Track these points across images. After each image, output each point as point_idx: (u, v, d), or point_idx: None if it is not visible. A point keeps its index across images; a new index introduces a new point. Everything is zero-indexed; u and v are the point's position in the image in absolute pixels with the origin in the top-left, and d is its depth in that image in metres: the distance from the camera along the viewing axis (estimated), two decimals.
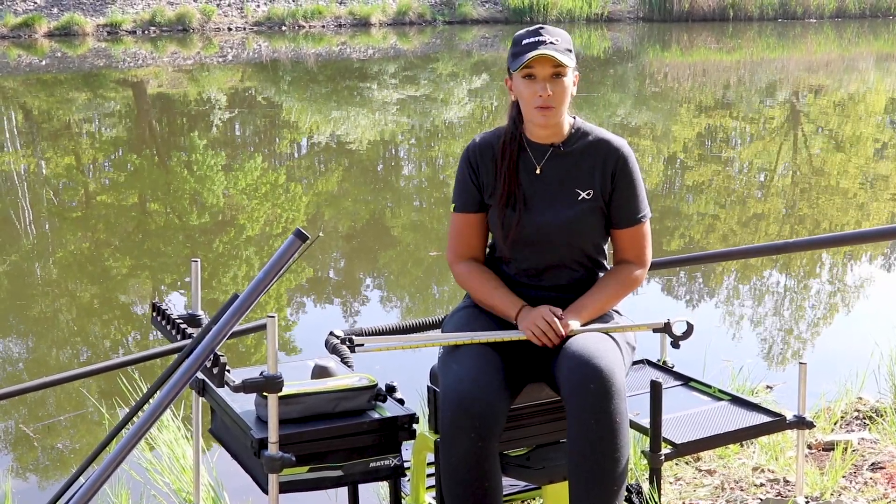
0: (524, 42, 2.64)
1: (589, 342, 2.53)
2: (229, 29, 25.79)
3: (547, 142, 2.73)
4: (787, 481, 3.39)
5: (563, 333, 2.58)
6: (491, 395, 2.48)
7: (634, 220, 2.73)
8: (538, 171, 2.72)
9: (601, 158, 2.70)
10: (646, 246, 2.77)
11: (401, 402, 2.64)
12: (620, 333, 2.67)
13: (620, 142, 2.73)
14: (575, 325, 2.62)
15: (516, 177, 2.72)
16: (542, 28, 2.67)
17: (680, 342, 2.75)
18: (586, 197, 2.69)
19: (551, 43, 2.61)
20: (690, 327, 2.74)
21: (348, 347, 2.66)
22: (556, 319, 2.58)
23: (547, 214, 2.69)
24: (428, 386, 2.73)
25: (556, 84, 2.62)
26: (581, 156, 2.71)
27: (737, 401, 3.05)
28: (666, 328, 2.74)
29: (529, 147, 2.74)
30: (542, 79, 2.62)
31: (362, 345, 2.66)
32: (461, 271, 2.79)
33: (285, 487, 2.43)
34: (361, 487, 2.78)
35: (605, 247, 2.81)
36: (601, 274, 2.78)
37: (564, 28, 26.81)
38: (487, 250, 2.86)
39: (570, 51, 2.66)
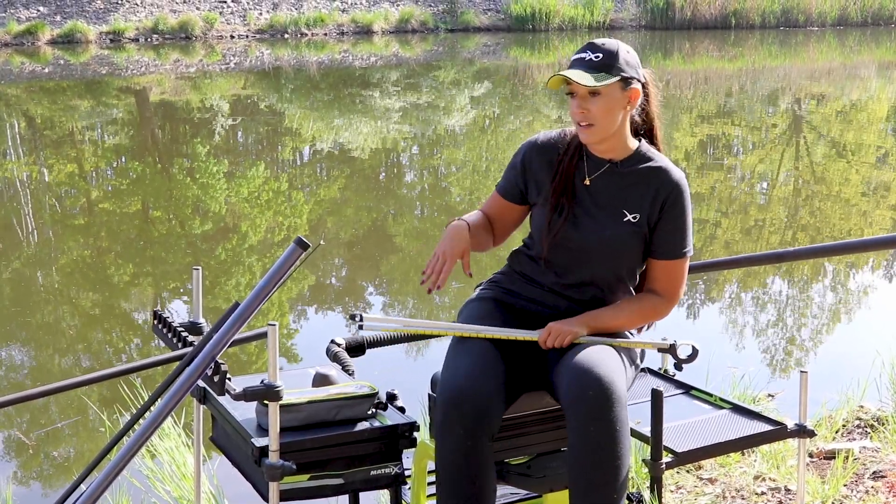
0: (572, 59, 2.65)
1: (590, 351, 2.54)
2: (232, 37, 25.84)
3: (605, 157, 2.71)
4: (789, 490, 3.39)
5: (444, 277, 2.61)
6: (484, 394, 2.49)
7: (673, 255, 2.71)
8: (587, 183, 2.71)
9: (655, 186, 2.67)
10: (680, 282, 2.74)
11: (402, 410, 2.64)
12: (625, 348, 2.67)
13: (679, 174, 2.70)
14: (580, 332, 2.62)
15: (571, 185, 2.71)
16: (590, 44, 2.65)
17: (683, 365, 2.75)
18: (632, 220, 2.67)
19: (589, 60, 2.60)
20: (695, 352, 2.72)
21: (358, 325, 2.65)
22: (446, 260, 2.63)
23: (590, 228, 2.68)
24: (429, 394, 2.73)
25: (592, 102, 2.60)
26: (636, 178, 2.69)
27: (738, 409, 3.04)
28: (671, 350, 2.73)
29: (588, 158, 2.73)
30: (580, 96, 2.61)
31: (368, 323, 2.65)
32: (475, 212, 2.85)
33: (286, 496, 2.43)
34: (362, 496, 2.78)
35: (638, 272, 2.79)
36: (626, 297, 2.76)
37: (566, 36, 26.64)
38: (523, 244, 2.85)
39: (612, 66, 2.60)
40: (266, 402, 2.36)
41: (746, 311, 6.78)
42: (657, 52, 25.65)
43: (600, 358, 2.52)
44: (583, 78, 2.58)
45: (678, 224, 2.70)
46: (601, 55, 2.61)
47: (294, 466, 2.36)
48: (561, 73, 2.59)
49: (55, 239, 8.91)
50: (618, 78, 2.61)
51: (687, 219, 2.70)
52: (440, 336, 2.75)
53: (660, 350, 2.79)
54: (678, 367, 2.76)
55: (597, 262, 2.70)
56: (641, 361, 2.81)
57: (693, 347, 2.72)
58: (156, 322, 2.96)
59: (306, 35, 26.49)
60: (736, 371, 4.64)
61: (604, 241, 2.67)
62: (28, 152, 13.19)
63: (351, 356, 3.04)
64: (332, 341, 3.10)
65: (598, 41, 2.66)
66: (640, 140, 2.75)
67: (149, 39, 24.93)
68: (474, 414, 2.47)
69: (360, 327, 2.64)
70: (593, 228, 2.68)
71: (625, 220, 2.67)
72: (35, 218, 9.50)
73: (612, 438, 2.44)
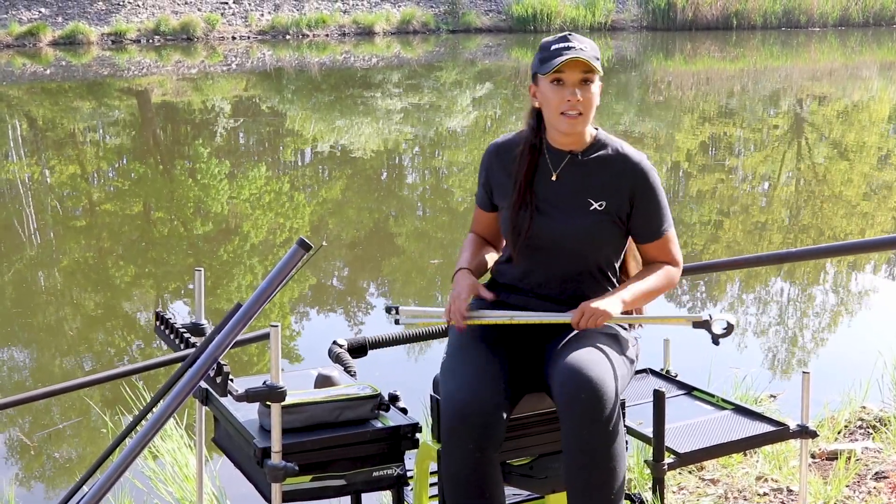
0: (553, 47, 2.63)
1: (582, 353, 2.53)
2: (233, 38, 25.85)
3: (566, 149, 2.71)
4: (791, 491, 3.39)
5: (462, 316, 2.65)
6: (489, 405, 2.48)
7: (659, 234, 2.72)
8: (555, 178, 2.70)
9: (617, 173, 2.67)
10: (675, 250, 2.76)
11: (404, 411, 2.64)
12: (619, 346, 2.65)
13: (639, 157, 2.69)
14: (614, 310, 2.58)
15: (531, 182, 2.71)
16: (570, 35, 2.66)
17: (720, 340, 2.67)
18: (598, 208, 2.66)
19: (581, 49, 2.61)
20: (731, 327, 2.62)
21: (394, 320, 2.72)
22: (460, 300, 2.66)
23: (558, 221, 2.67)
24: (431, 395, 2.73)
25: (584, 90, 2.61)
26: (597, 166, 2.69)
27: (740, 410, 3.04)
28: (705, 325, 2.63)
29: (549, 152, 2.73)
30: (572, 84, 2.60)
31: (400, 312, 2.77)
32: (465, 240, 2.92)
33: (288, 497, 2.43)
34: (364, 497, 2.78)
35: (618, 263, 2.78)
36: (610, 288, 2.75)
37: None
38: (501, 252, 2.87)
39: (598, 59, 2.64)
40: (268, 403, 2.36)
41: (748, 311, 6.78)
42: (659, 53, 25.65)
43: (591, 360, 2.50)
44: (595, 64, 2.60)
45: (654, 206, 2.70)
46: (587, 47, 2.63)
47: (296, 468, 2.36)
48: (580, 57, 2.58)
49: (57, 240, 8.91)
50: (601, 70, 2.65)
51: (660, 199, 2.70)
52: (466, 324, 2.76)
53: (695, 325, 2.66)
54: (715, 342, 2.64)
55: (570, 255, 2.69)
56: (637, 358, 2.79)
57: (728, 323, 2.61)
58: (158, 323, 2.96)
59: (308, 36, 26.50)
60: (738, 372, 4.64)
61: (572, 233, 2.66)
62: (30, 153, 13.20)
63: (353, 357, 3.05)
64: (334, 342, 3.10)
65: (574, 35, 2.67)
66: (596, 129, 2.75)
67: (150, 41, 24.95)
68: (481, 426, 2.47)
69: (397, 322, 2.73)
70: (562, 221, 2.67)
71: (591, 208, 2.67)
72: (37, 219, 9.50)
73: (606, 440, 2.43)
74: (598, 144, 2.71)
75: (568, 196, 2.69)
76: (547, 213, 2.69)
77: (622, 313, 2.63)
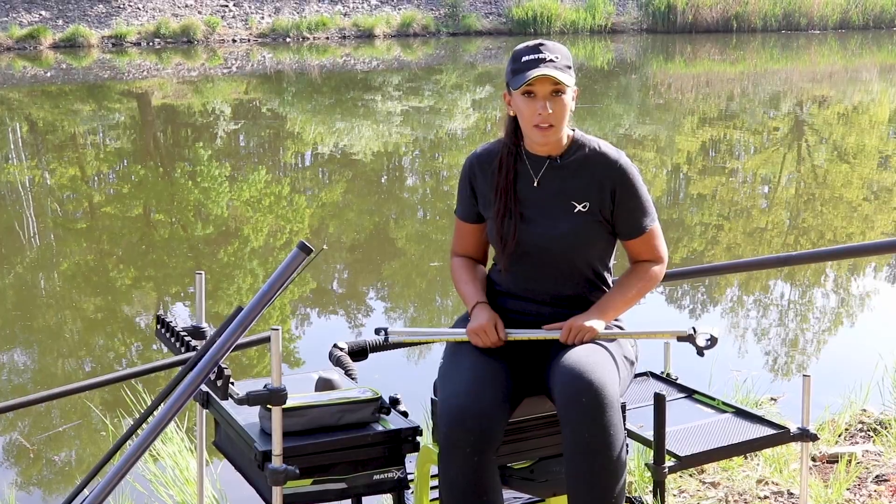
0: (524, 59, 2.61)
1: (582, 355, 2.53)
2: (234, 41, 25.86)
3: (544, 154, 2.72)
4: (792, 494, 3.39)
5: (501, 338, 2.64)
6: (487, 409, 2.49)
7: (642, 230, 2.72)
8: (536, 184, 2.71)
9: (597, 173, 2.68)
10: (659, 245, 2.77)
11: (405, 414, 2.64)
12: (618, 347, 2.66)
13: (617, 155, 2.70)
14: (599, 326, 2.62)
15: (514, 189, 2.72)
16: (541, 44, 2.63)
17: (704, 352, 2.69)
18: (582, 210, 2.67)
19: (551, 60, 2.59)
20: (714, 339, 2.66)
21: (383, 339, 2.71)
22: (493, 328, 2.64)
23: (544, 226, 2.68)
24: (432, 398, 2.73)
25: (555, 102, 2.60)
26: (577, 168, 2.69)
27: (741, 413, 3.04)
28: (690, 339, 2.67)
29: (528, 159, 2.73)
30: (542, 97, 2.60)
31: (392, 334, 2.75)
32: (453, 264, 2.88)
33: (289, 500, 2.43)
34: (365, 500, 2.78)
35: (610, 262, 2.80)
36: (604, 288, 2.78)
37: (568, 40, 26.67)
38: (492, 261, 2.87)
39: (570, 67, 2.64)
40: (269, 406, 2.36)
41: (749, 314, 6.77)
42: (659, 56, 25.66)
43: (591, 363, 2.51)
44: (565, 78, 2.59)
45: (636, 203, 2.70)
46: (559, 56, 2.62)
47: (297, 471, 2.36)
48: (549, 73, 2.57)
49: (57, 243, 8.92)
50: (574, 77, 2.65)
51: (642, 194, 2.71)
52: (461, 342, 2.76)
53: (679, 339, 2.71)
54: (700, 353, 2.68)
55: (560, 260, 2.69)
56: (637, 360, 2.80)
57: (712, 336, 2.65)
58: (159, 326, 2.96)
59: (308, 39, 26.51)
60: (738, 375, 4.64)
61: (559, 237, 2.67)
62: (30, 156, 13.21)
63: (353, 360, 3.04)
64: (335, 345, 3.09)
65: (547, 42, 2.66)
66: (572, 130, 2.75)
67: (151, 43, 24.96)
68: (478, 429, 2.47)
69: (386, 340, 2.71)
70: (547, 226, 2.68)
71: (575, 211, 2.67)
72: (37, 222, 9.51)
73: (607, 444, 2.44)
74: (575, 146, 2.72)
75: (550, 201, 2.69)
76: (531, 219, 2.69)
77: (606, 325, 2.67)
